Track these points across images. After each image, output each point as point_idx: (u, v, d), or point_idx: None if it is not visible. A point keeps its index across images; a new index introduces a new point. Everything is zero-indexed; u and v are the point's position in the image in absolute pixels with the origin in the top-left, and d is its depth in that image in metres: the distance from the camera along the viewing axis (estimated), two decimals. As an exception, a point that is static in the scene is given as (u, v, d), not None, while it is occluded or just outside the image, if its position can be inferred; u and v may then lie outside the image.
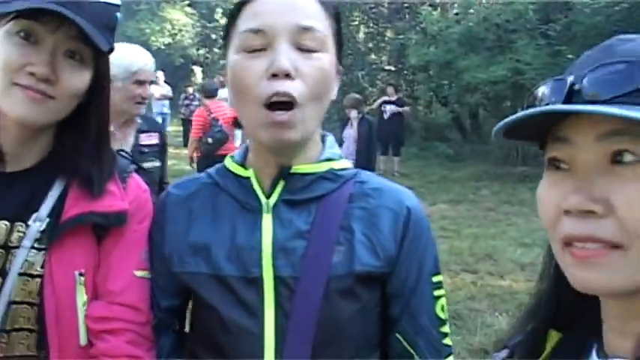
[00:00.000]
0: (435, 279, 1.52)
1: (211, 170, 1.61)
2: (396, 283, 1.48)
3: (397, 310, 1.49)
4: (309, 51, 1.38)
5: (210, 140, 6.68)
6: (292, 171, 1.48)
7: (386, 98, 16.01)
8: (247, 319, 1.44)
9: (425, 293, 1.50)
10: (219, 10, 27.86)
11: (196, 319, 1.58)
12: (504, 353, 1.14)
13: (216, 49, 27.33)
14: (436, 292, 1.52)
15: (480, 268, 7.77)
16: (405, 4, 21.77)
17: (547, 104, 0.93)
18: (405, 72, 22.24)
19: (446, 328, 1.52)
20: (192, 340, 1.60)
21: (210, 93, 8.83)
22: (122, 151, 2.88)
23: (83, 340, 1.51)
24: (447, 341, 1.52)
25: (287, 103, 1.35)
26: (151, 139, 4.05)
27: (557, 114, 0.90)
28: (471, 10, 17.06)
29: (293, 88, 1.35)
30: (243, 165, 1.55)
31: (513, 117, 0.91)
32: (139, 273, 1.57)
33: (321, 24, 1.41)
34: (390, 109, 15.50)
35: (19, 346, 1.49)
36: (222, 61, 27.24)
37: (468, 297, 6.63)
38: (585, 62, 0.95)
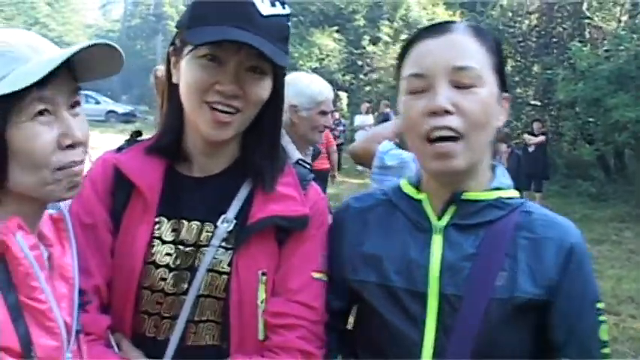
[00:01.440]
0: (598, 305, 1.59)
1: (387, 189, 1.77)
2: (559, 311, 1.54)
3: (562, 336, 1.55)
4: (467, 87, 1.51)
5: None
6: (464, 197, 1.60)
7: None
8: (409, 326, 1.57)
9: (590, 319, 1.58)
10: (367, 37, 28.12)
11: (360, 322, 1.74)
12: None
13: (361, 76, 27.46)
14: (600, 318, 1.59)
15: (622, 310, 7.69)
16: (554, 39, 21.51)
17: None
18: (551, 107, 21.86)
19: (607, 350, 1.60)
20: (352, 340, 1.75)
21: None
22: (302, 160, 3.10)
23: (261, 335, 1.62)
24: None
25: (450, 137, 1.50)
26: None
27: None
28: (622, 47, 16.62)
29: (451, 121, 1.49)
30: (417, 188, 1.69)
31: None
32: (316, 275, 1.67)
33: (476, 60, 1.53)
34: (532, 141, 15.54)
35: (206, 337, 1.63)
36: (367, 88, 27.08)
37: (609, 339, 6.55)
38: None
